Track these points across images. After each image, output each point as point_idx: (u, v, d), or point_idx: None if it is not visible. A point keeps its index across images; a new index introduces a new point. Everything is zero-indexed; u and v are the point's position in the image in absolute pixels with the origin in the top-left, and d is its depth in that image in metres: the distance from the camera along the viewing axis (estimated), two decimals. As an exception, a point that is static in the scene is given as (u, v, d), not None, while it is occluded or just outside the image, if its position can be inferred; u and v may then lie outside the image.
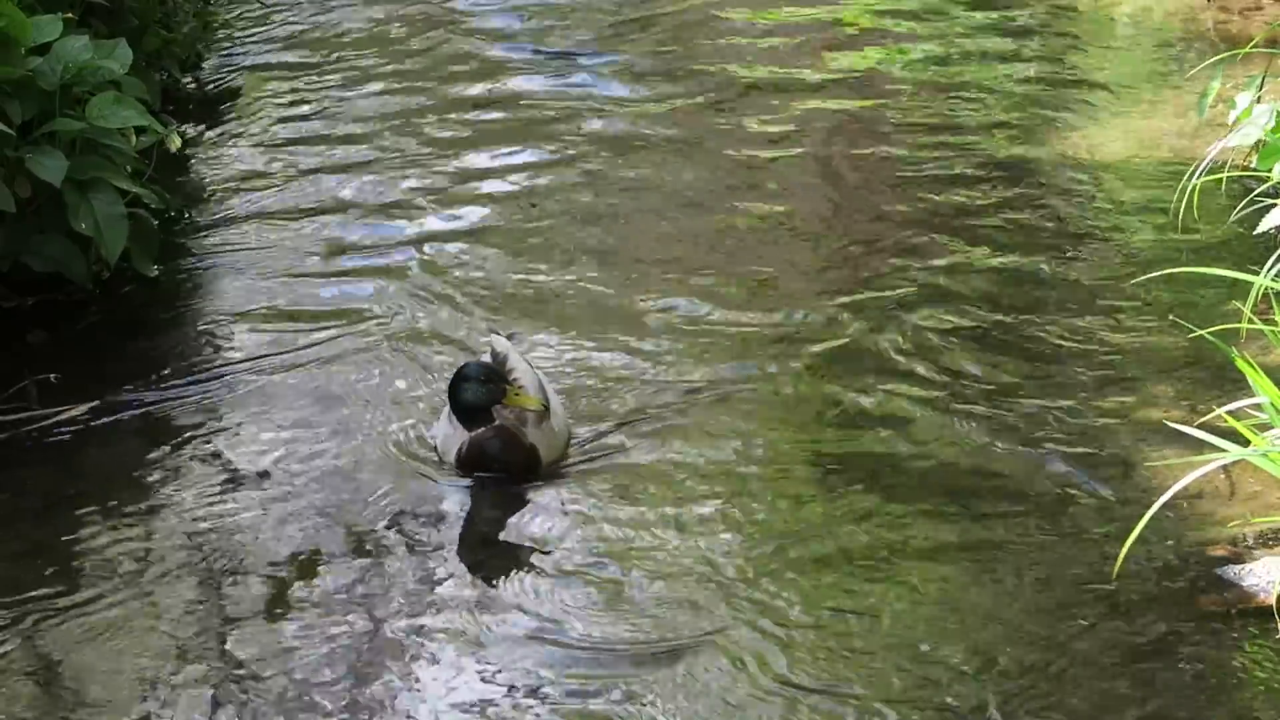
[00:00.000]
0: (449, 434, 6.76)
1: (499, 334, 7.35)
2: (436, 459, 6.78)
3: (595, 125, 9.90)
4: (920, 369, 7.35)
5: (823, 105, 10.11)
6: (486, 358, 6.85)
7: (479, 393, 6.62)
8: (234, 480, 6.74)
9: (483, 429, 6.63)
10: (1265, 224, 7.00)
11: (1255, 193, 7.49)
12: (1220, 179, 7.53)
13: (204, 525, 6.46)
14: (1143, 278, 7.88)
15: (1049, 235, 8.51)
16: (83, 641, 5.87)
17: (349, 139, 9.73)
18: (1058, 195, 8.91)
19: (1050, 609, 5.89)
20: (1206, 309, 7.55)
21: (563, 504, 6.56)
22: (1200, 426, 5.90)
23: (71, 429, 7.07)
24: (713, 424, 7.00)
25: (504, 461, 6.64)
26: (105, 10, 8.79)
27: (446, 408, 6.85)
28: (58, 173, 7.40)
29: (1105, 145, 9.42)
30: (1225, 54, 8.55)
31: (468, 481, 6.66)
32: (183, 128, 9.55)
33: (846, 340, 7.58)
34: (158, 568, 6.24)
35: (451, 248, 8.51)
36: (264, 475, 6.75)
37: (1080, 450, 6.73)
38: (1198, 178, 7.43)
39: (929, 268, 8.19)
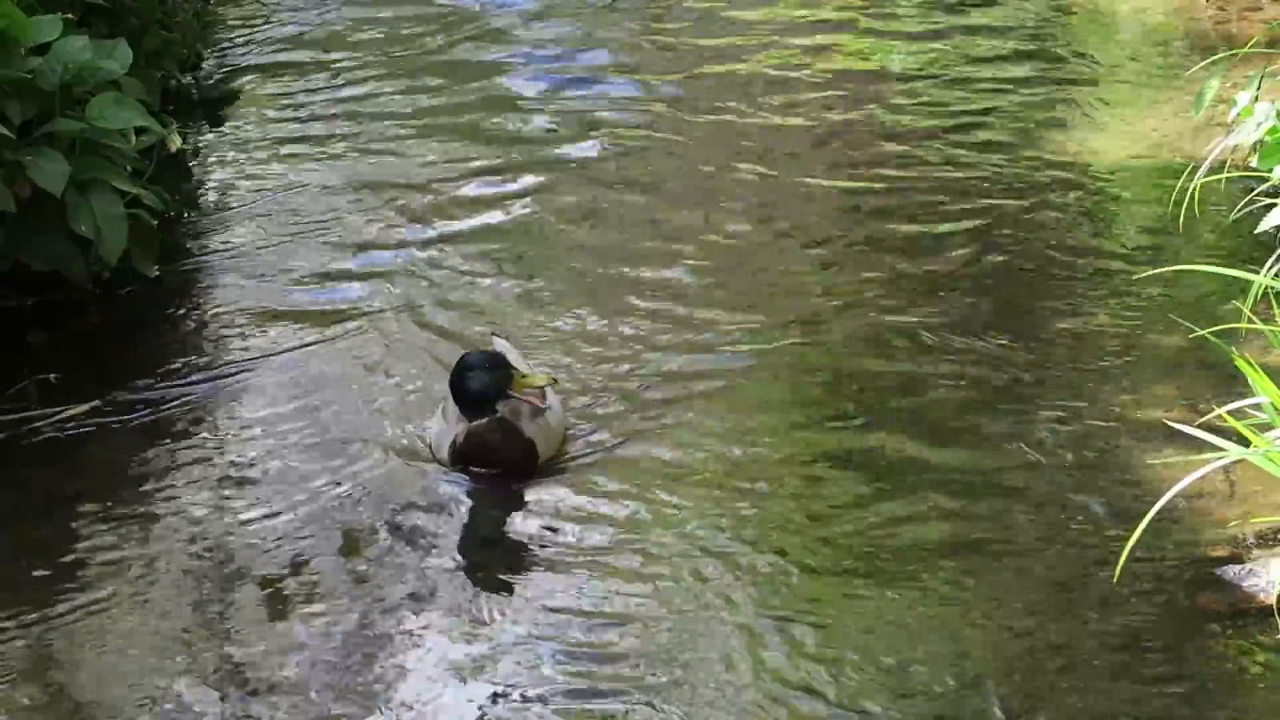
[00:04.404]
0: (442, 430, 6.75)
1: (497, 335, 7.36)
2: (432, 457, 6.79)
3: (595, 125, 9.89)
4: (919, 368, 7.35)
5: (822, 104, 10.10)
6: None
7: (486, 380, 6.59)
8: (233, 479, 6.74)
9: (484, 420, 6.61)
10: (1265, 224, 7.00)
11: (1255, 192, 7.50)
12: (1220, 179, 7.53)
13: (203, 525, 6.47)
14: (1143, 276, 7.89)
15: (1048, 235, 8.51)
16: (83, 641, 5.88)
17: (349, 139, 9.73)
18: (1057, 195, 8.91)
19: (1050, 609, 5.89)
20: (1206, 309, 7.55)
21: (559, 501, 6.56)
22: (1200, 426, 5.89)
23: (71, 429, 7.07)
24: (710, 422, 7.01)
25: (502, 453, 6.62)
26: (105, 10, 8.78)
27: (440, 405, 6.85)
28: (59, 180, 7.38)
29: (1105, 145, 9.42)
30: (1224, 54, 8.55)
31: (465, 479, 6.66)
32: (183, 128, 9.54)
33: (845, 340, 7.58)
34: (157, 567, 6.24)
35: (451, 248, 8.51)
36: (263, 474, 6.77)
37: (1080, 450, 6.73)
38: (1198, 178, 7.43)
39: (927, 267, 8.19)
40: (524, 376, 6.63)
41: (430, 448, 6.81)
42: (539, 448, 6.66)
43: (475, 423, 6.61)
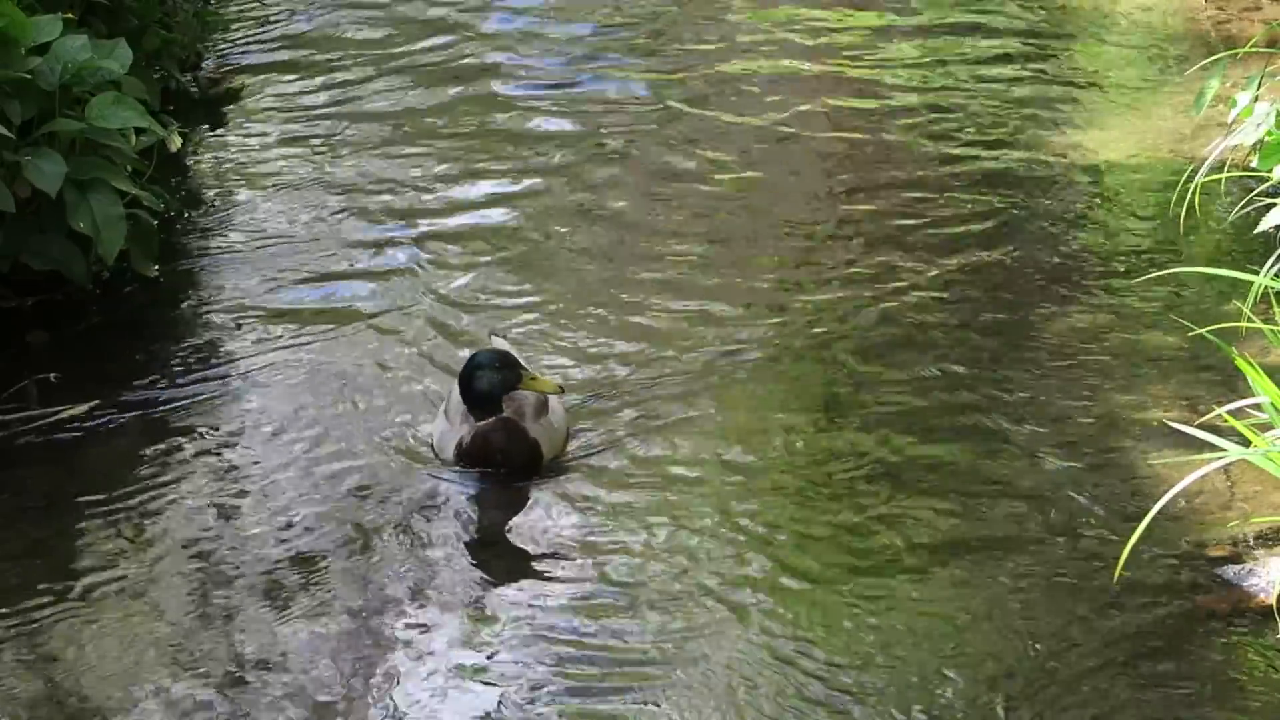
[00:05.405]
0: (445, 430, 6.75)
1: (497, 334, 7.37)
2: (434, 457, 6.79)
3: (596, 125, 9.89)
4: (920, 368, 7.35)
5: (821, 104, 10.10)
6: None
7: (494, 379, 6.59)
8: (233, 479, 6.74)
9: (490, 420, 6.60)
10: (1265, 224, 7.01)
11: (1255, 192, 7.50)
12: (1220, 179, 7.53)
13: (204, 525, 6.47)
14: (1142, 276, 7.89)
15: (1047, 235, 8.51)
16: (83, 641, 5.87)
17: (349, 139, 9.73)
18: (1057, 194, 8.91)
19: (1050, 609, 5.89)
20: (1206, 308, 7.56)
21: (562, 500, 6.56)
22: (1200, 426, 5.90)
23: (71, 429, 7.07)
24: (712, 421, 7.01)
25: (508, 453, 6.61)
26: (105, 10, 8.78)
27: (443, 404, 6.85)
28: (55, 180, 7.39)
29: (1105, 145, 9.42)
30: (1224, 54, 8.55)
31: (468, 479, 6.66)
32: (183, 128, 9.54)
33: (846, 339, 7.59)
34: (158, 567, 6.24)
35: (451, 247, 8.51)
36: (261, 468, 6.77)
37: (1080, 450, 6.74)
38: (1198, 178, 7.43)
39: (928, 267, 8.19)
40: (533, 379, 6.64)
41: (433, 448, 6.81)
42: (543, 448, 6.66)
43: (481, 423, 6.60)
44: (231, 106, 10.24)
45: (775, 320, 7.76)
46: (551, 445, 6.72)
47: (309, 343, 7.67)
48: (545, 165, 9.41)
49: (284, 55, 10.96)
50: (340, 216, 8.85)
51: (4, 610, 6.01)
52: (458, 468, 6.68)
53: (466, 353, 7.11)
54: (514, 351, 6.95)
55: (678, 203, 8.96)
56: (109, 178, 7.66)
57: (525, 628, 5.87)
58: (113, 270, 7.94)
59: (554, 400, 6.83)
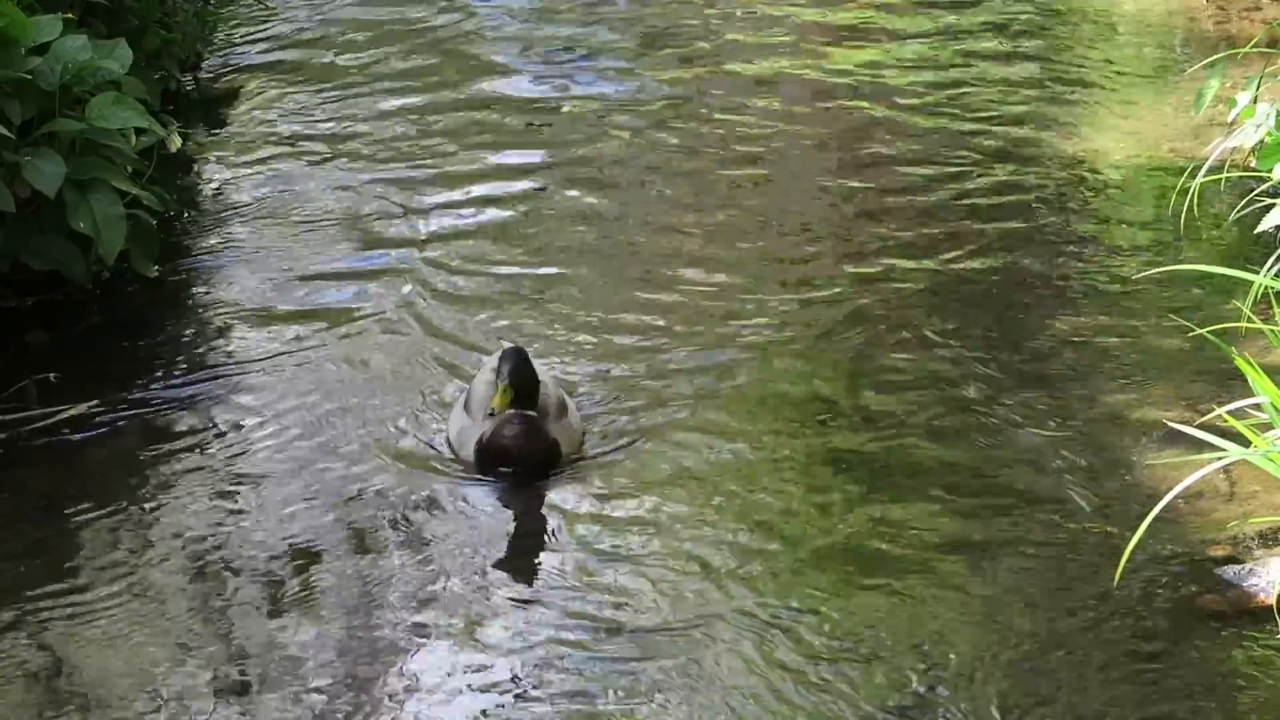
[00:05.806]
0: (466, 425, 6.70)
1: (502, 336, 7.37)
2: (444, 454, 6.76)
3: (595, 124, 9.89)
4: (919, 368, 7.35)
5: (821, 104, 10.10)
6: (493, 362, 6.72)
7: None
8: (233, 479, 6.74)
9: (511, 416, 6.55)
10: (1265, 224, 7.01)
11: (1255, 193, 7.50)
12: (1220, 179, 7.53)
13: (204, 524, 6.46)
14: (1142, 276, 7.89)
15: (1048, 234, 8.52)
16: (83, 641, 5.87)
17: (349, 139, 9.73)
18: (1057, 195, 8.91)
19: (1050, 609, 5.89)
20: (1206, 309, 7.56)
21: (572, 500, 6.56)
22: (1200, 426, 5.89)
23: (71, 429, 7.07)
24: (720, 421, 7.01)
25: (527, 451, 6.58)
26: (105, 10, 8.78)
27: (462, 398, 6.81)
28: (54, 181, 7.38)
29: (1105, 145, 9.42)
30: (1223, 54, 8.55)
31: (481, 478, 6.64)
32: (183, 128, 9.54)
33: (847, 339, 7.59)
34: (158, 567, 6.24)
35: (452, 247, 8.51)
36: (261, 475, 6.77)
37: (1080, 450, 6.74)
38: (1198, 178, 7.44)
39: (928, 266, 8.20)
40: (505, 389, 6.50)
41: (450, 443, 6.79)
42: (562, 447, 6.65)
43: (502, 420, 6.51)
44: (231, 106, 10.25)
45: (778, 320, 7.76)
46: (570, 445, 6.71)
47: (309, 343, 7.67)
48: (546, 164, 9.41)
49: (284, 55, 10.96)
50: (340, 216, 8.86)
51: (4, 610, 6.01)
52: (472, 465, 6.66)
53: (465, 353, 7.12)
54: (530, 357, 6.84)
55: (677, 202, 8.96)
56: (109, 178, 7.66)
57: (525, 628, 5.87)
58: (113, 270, 7.94)
59: (569, 402, 6.84)
